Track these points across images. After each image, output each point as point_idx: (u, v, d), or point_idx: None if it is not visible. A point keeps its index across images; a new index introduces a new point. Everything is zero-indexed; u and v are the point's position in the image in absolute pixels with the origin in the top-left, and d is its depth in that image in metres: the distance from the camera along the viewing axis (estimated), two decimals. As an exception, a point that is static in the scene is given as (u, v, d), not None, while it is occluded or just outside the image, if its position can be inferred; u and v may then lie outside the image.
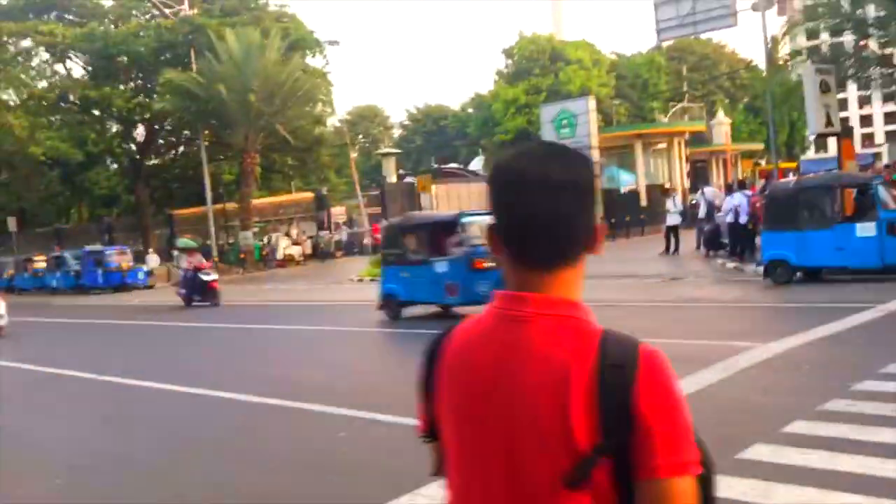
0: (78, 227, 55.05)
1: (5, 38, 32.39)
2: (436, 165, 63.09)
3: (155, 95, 34.11)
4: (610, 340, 1.27)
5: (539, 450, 1.26)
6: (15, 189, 50.33)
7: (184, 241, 16.36)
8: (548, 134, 32.21)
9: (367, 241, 37.90)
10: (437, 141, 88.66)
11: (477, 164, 66.18)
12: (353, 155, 59.31)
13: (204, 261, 22.07)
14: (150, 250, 39.18)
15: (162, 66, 33.66)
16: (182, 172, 44.54)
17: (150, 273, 32.81)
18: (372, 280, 23.92)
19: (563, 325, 1.30)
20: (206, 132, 34.94)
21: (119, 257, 31.80)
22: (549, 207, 1.29)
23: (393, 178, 44.51)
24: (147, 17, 35.04)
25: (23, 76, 35.69)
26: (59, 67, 35.91)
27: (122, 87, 35.15)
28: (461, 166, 64.02)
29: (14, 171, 49.38)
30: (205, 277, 20.15)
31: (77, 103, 35.94)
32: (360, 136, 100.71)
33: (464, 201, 44.18)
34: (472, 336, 1.37)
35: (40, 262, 35.78)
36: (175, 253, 15.99)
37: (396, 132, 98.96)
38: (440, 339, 1.42)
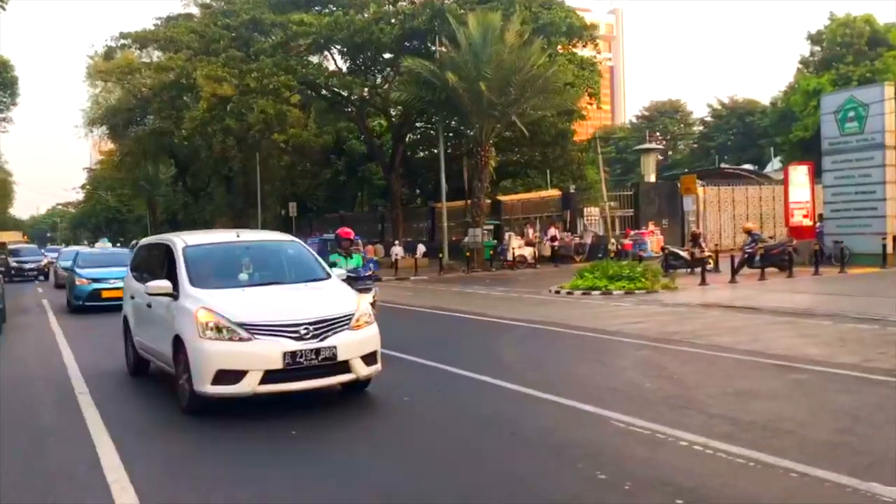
0: (359, 214, 57.75)
1: (268, 28, 33.71)
2: (723, 166, 56.67)
3: (393, 85, 33.54)
4: None
5: None
6: (298, 176, 53.83)
7: None
8: (828, 128, 26.22)
9: (612, 245, 34.19)
10: (739, 140, 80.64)
11: (773, 165, 58.37)
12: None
13: None
14: (396, 242, 39.29)
15: (407, 53, 32.94)
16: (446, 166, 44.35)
17: (379, 264, 32.70)
18: (570, 293, 20.61)
19: None
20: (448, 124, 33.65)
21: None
22: None
23: (651, 178, 40.17)
24: (389, 5, 34.42)
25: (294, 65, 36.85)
26: (315, 59, 36.83)
27: (369, 77, 35.17)
28: (754, 168, 56.89)
29: (303, 159, 52.83)
30: None
31: (327, 94, 36.72)
32: (658, 133, 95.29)
33: (738, 207, 38.50)
34: None
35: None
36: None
37: (698, 128, 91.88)
38: None
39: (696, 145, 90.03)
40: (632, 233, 35.21)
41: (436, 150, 46.24)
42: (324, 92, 38.42)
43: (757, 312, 15.06)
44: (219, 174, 61.28)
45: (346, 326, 7.59)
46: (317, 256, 9.33)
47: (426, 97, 31.10)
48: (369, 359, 7.83)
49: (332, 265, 10.17)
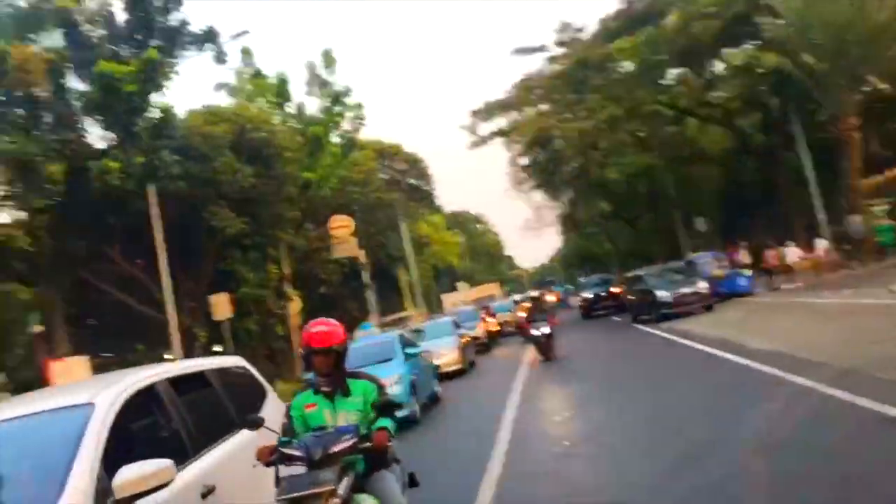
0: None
1: (597, 64, 33.58)
2: None
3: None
4: None
5: None
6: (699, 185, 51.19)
7: None
8: None
9: None
10: None
11: None
12: None
13: None
14: (789, 243, 34.52)
15: (736, 43, 29.74)
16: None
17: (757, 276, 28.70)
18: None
19: None
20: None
21: (711, 265, 28.78)
22: None
23: None
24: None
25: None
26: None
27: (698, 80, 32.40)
28: None
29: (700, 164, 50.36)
30: None
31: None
32: None
33: None
34: None
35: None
36: None
37: None
38: None
39: None
40: None
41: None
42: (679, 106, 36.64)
43: None
44: (648, 198, 61.27)
45: None
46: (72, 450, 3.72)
47: (759, 87, 27.80)
48: None
49: (295, 424, 4.74)
